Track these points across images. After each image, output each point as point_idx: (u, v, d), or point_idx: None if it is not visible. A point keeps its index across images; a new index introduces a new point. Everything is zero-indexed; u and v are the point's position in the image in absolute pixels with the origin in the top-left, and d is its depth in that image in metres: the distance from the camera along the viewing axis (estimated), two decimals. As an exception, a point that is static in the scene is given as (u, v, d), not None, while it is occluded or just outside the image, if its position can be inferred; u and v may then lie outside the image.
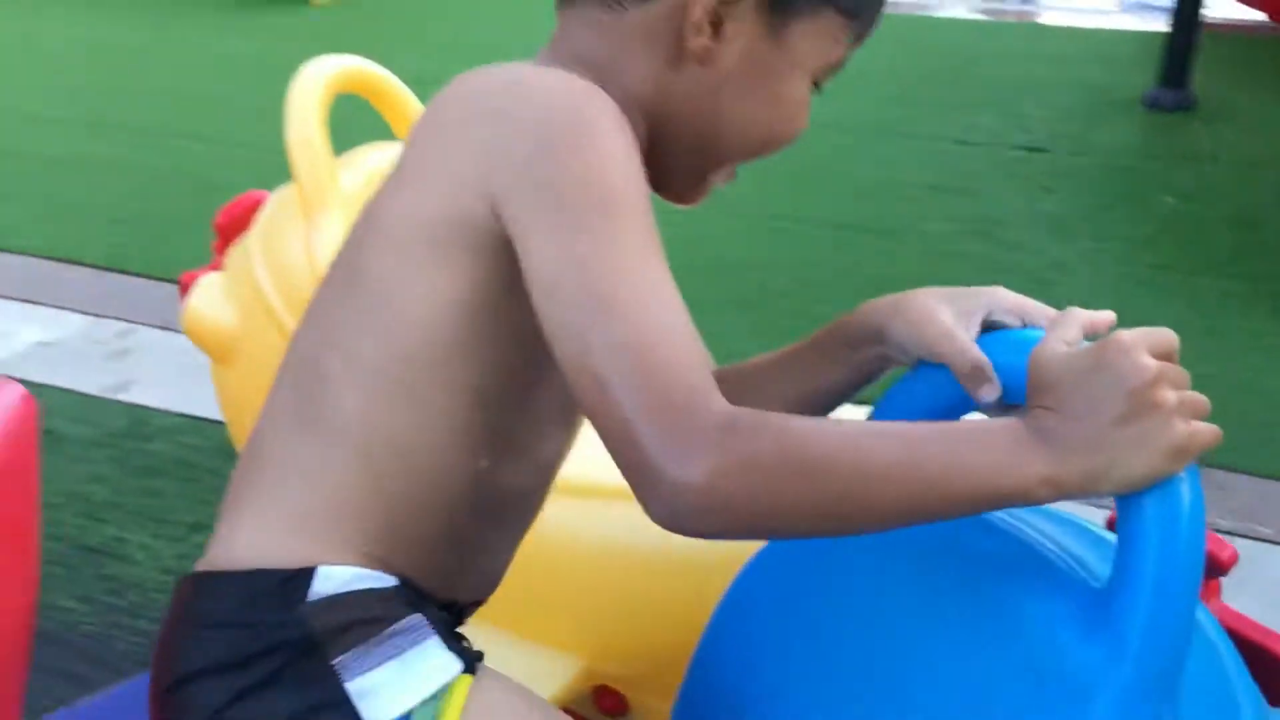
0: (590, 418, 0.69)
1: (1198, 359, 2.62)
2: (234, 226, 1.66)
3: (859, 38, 0.86)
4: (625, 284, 0.68)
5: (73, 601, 1.88)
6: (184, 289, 1.67)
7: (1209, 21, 4.35)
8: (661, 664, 1.21)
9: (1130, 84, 4.67)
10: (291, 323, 1.47)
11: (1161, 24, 4.66)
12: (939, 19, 6.02)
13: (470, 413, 0.80)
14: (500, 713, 0.79)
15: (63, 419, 2.40)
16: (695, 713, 0.88)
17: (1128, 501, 0.68)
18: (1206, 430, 0.67)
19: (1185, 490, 0.67)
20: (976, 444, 0.67)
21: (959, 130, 4.27)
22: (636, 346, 0.67)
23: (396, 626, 0.78)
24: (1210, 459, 2.35)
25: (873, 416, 0.84)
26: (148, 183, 3.75)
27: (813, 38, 0.83)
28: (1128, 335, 0.68)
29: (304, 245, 1.52)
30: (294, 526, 0.80)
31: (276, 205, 1.64)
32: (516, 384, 0.81)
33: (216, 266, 1.66)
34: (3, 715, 1.17)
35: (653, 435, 0.65)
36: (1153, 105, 4.45)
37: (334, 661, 0.75)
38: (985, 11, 6.29)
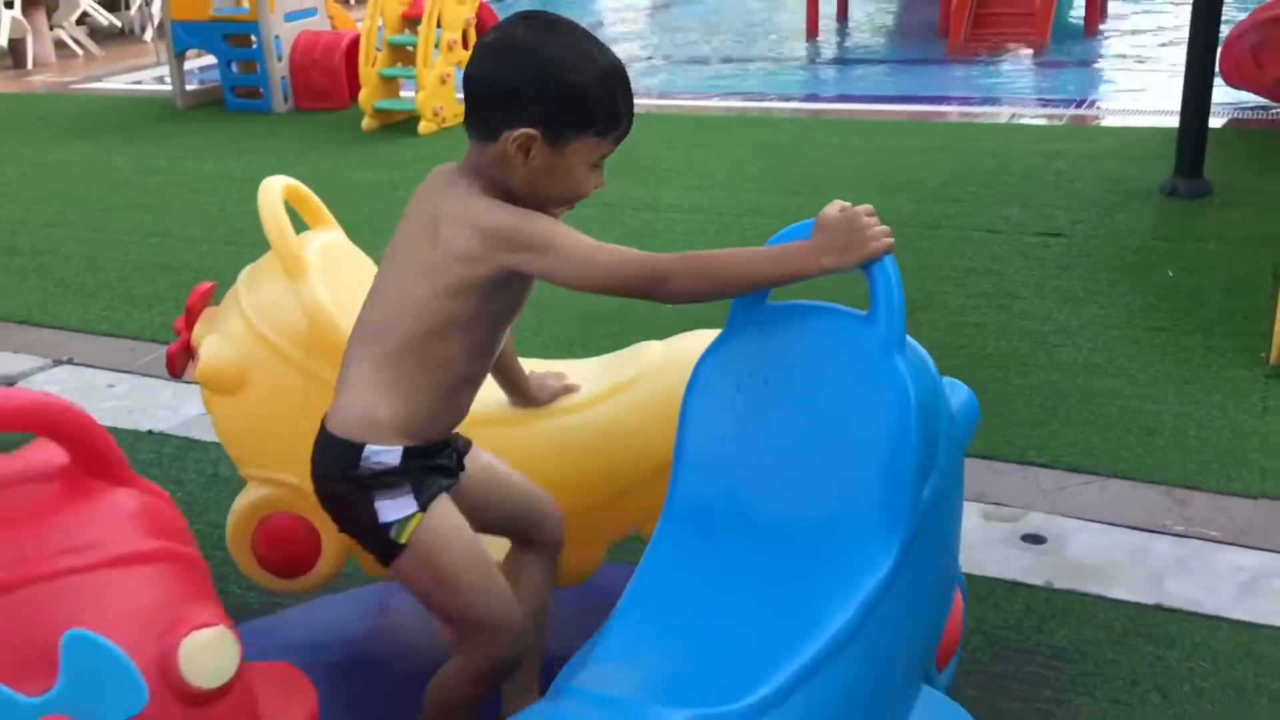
0: (621, 296, 1.62)
1: (1178, 401, 3.13)
2: (198, 307, 2.21)
3: (619, 139, 1.69)
4: (587, 247, 1.62)
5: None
6: (172, 357, 2.19)
7: (1236, 117, 4.73)
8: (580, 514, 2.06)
9: (1151, 175, 5.15)
10: (291, 351, 2.08)
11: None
12: (981, 125, 6.55)
13: (465, 343, 1.70)
14: (435, 530, 1.69)
15: (224, 465, 3.03)
16: (683, 451, 1.69)
17: (866, 269, 1.58)
18: (889, 239, 1.59)
19: (889, 261, 1.59)
20: (790, 253, 1.60)
21: (989, 221, 4.79)
22: (614, 261, 1.61)
23: (399, 487, 1.68)
24: (1176, 479, 2.79)
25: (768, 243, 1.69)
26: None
27: (583, 150, 1.65)
28: (859, 207, 1.60)
29: (295, 298, 2.08)
30: (359, 417, 1.68)
31: (251, 277, 2.18)
32: (486, 328, 1.71)
33: (187, 339, 2.17)
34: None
35: (648, 278, 1.59)
36: (1170, 193, 4.91)
37: (373, 494, 1.67)
38: (1048, 116, 6.79)
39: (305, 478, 2.04)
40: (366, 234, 5.14)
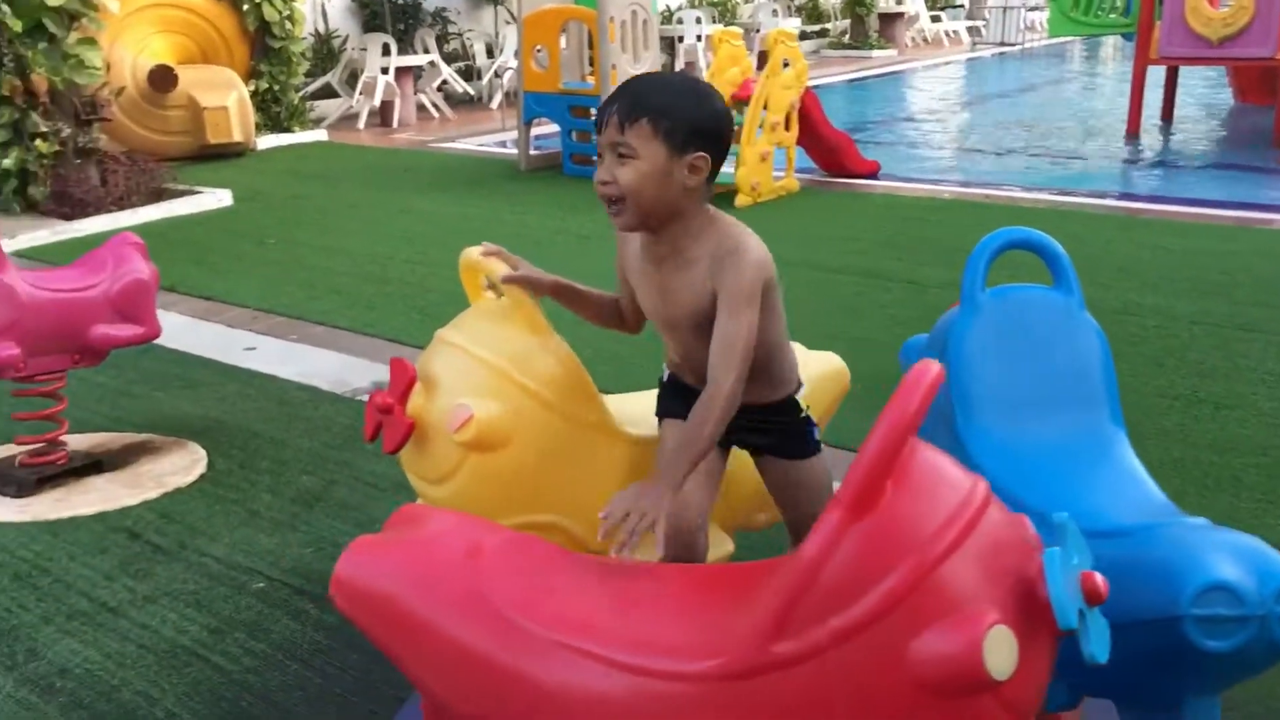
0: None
1: None
2: (413, 380, 2.25)
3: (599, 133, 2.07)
4: None
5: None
6: (402, 433, 2.20)
7: None
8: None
9: None
10: (554, 399, 2.22)
11: None
12: (1179, 223, 6.54)
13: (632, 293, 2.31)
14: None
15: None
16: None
17: (1043, 253, 2.38)
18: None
19: (1061, 249, 2.37)
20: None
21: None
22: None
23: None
24: None
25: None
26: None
27: None
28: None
29: (545, 349, 2.25)
30: None
31: (472, 338, 2.26)
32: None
33: (403, 412, 2.20)
34: None
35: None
36: None
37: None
38: (1237, 220, 6.68)
39: (563, 514, 2.29)
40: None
